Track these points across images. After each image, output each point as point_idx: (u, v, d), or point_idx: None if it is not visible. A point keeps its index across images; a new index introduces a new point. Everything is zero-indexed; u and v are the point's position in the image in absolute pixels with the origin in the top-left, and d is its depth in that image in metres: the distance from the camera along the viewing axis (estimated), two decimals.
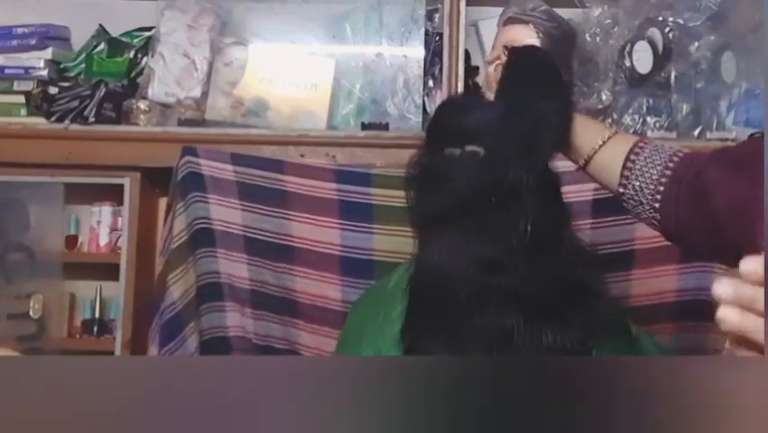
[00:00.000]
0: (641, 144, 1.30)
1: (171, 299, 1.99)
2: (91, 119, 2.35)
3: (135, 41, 2.54)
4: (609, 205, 1.83)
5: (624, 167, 1.28)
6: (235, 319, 2.01)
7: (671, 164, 1.26)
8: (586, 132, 1.34)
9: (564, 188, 1.38)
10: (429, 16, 2.45)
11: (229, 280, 2.01)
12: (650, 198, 1.26)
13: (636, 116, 2.28)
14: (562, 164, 1.37)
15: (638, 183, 1.27)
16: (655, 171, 1.26)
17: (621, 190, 1.29)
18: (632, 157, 1.28)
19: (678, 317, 1.89)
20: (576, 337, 1.34)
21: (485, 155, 1.32)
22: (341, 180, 2.01)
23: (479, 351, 1.31)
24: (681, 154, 1.29)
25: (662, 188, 1.25)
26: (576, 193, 1.74)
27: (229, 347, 2.01)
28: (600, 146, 1.31)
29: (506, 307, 1.33)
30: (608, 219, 1.85)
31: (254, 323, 2.01)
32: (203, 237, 2.01)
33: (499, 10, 2.29)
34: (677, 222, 1.24)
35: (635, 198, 1.28)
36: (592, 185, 1.84)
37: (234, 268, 2.01)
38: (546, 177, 1.34)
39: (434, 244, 1.40)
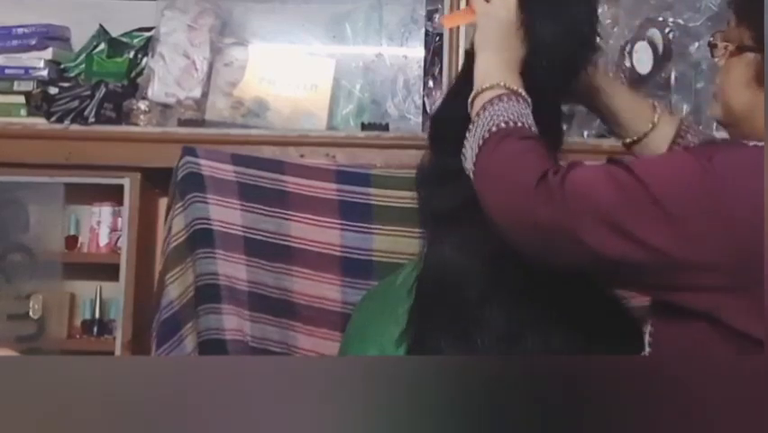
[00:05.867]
0: (684, 128, 1.43)
1: (169, 298, 1.99)
2: (91, 119, 2.35)
3: (135, 41, 2.54)
4: None
5: (670, 149, 1.40)
6: (233, 322, 2.01)
7: None
8: (636, 112, 1.44)
9: None
10: (429, 16, 2.45)
11: (228, 281, 2.01)
12: None
13: None
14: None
15: None
16: None
17: None
18: (678, 140, 1.42)
19: None
20: (583, 337, 1.34)
21: None
22: (341, 181, 2.02)
23: (486, 349, 1.32)
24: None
25: None
26: None
27: (225, 350, 2.01)
28: (650, 130, 1.43)
29: (514, 305, 1.33)
30: None
31: (252, 325, 2.01)
32: (202, 238, 2.01)
33: None
34: None
35: None
36: None
37: (233, 269, 2.01)
38: None
39: (443, 242, 1.40)
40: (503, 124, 1.22)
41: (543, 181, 1.13)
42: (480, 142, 1.22)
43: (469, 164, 1.26)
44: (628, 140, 1.45)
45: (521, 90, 1.28)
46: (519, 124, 1.23)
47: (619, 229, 1.10)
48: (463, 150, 1.27)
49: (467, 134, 1.27)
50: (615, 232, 1.10)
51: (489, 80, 1.28)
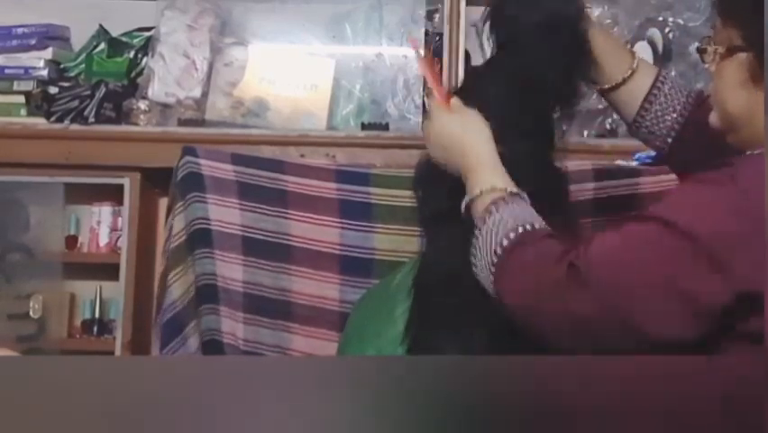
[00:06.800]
0: (661, 78, 1.42)
1: (171, 298, 1.99)
2: (91, 119, 2.35)
3: (135, 41, 2.54)
4: (608, 204, 1.83)
5: (645, 99, 1.41)
6: (227, 325, 2.01)
7: (687, 107, 1.40)
8: (616, 56, 1.42)
9: None
10: (429, 16, 2.45)
11: (224, 282, 2.01)
12: (665, 132, 1.41)
13: None
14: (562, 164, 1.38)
15: (656, 117, 1.41)
16: (674, 111, 1.41)
17: (639, 119, 1.42)
18: (654, 91, 1.41)
19: None
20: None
21: None
22: (341, 180, 2.01)
23: (485, 347, 1.32)
24: (693, 95, 1.41)
25: (677, 127, 1.40)
26: (576, 192, 1.74)
27: (222, 352, 2.01)
28: (629, 76, 1.41)
29: None
30: (608, 218, 1.85)
31: (245, 328, 2.00)
32: (201, 238, 2.01)
33: None
34: (681, 154, 1.40)
35: (651, 128, 1.42)
36: (592, 184, 1.84)
37: (229, 270, 2.00)
38: (554, 173, 1.36)
39: (442, 241, 1.40)
40: (520, 229, 1.18)
41: (571, 270, 1.09)
42: (499, 250, 1.18)
43: (484, 272, 1.21)
44: (606, 86, 1.42)
45: (517, 190, 1.24)
46: (532, 227, 1.19)
47: (677, 294, 1.03)
48: (472, 255, 1.23)
49: (474, 240, 1.23)
50: (671, 299, 1.03)
51: (484, 183, 1.25)
